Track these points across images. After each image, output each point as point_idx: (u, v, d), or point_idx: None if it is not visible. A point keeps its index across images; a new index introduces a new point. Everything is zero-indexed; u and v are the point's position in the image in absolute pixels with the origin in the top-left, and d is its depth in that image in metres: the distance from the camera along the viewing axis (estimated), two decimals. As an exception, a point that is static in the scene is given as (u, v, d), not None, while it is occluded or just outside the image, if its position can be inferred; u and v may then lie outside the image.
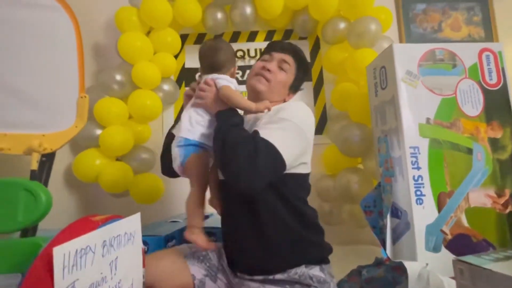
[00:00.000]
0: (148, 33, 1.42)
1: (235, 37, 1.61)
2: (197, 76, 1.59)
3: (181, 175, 0.78)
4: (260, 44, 1.60)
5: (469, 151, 0.96)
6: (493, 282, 0.50)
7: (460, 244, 0.90)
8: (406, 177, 0.93)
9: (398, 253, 0.96)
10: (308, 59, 1.60)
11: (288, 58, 0.81)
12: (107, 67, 1.43)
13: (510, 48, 1.57)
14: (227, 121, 0.68)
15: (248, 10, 1.42)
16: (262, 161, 0.60)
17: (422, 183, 0.93)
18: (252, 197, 0.67)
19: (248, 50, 1.59)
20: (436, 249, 0.89)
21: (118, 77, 1.35)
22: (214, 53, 0.77)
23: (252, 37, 1.60)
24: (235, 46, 1.59)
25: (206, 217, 1.18)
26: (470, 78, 1.01)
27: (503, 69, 1.02)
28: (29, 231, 0.89)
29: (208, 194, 0.79)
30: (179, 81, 1.57)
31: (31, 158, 0.95)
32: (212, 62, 0.77)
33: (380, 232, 1.05)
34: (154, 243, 0.91)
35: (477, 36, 1.65)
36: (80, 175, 1.32)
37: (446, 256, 0.87)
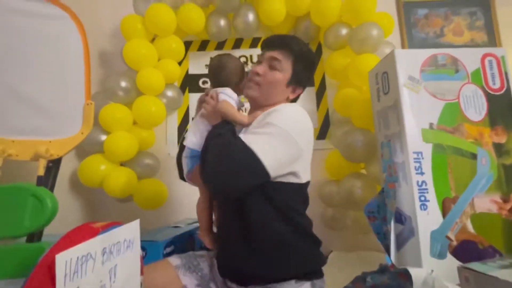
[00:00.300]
0: (152, 40, 1.45)
1: (238, 43, 1.63)
2: (201, 83, 1.61)
3: (189, 183, 0.83)
4: (263, 50, 1.62)
5: (474, 156, 0.95)
6: (499, 290, 0.49)
7: (466, 251, 0.89)
8: (409, 182, 0.93)
9: (402, 260, 0.95)
10: (311, 64, 1.61)
11: (278, 54, 0.74)
12: (113, 74, 1.45)
13: (514, 52, 1.56)
14: (214, 132, 0.69)
15: (251, 17, 1.44)
16: (236, 166, 0.59)
17: (426, 189, 0.92)
18: (244, 206, 0.66)
19: (251, 56, 1.61)
20: (441, 256, 0.88)
21: (123, 84, 1.37)
22: (218, 71, 0.80)
23: (255, 43, 1.62)
24: (238, 52, 1.61)
25: None
26: (473, 83, 1.00)
27: (506, 73, 1.02)
28: (35, 236, 0.90)
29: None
30: (182, 87, 1.59)
31: (38, 164, 0.96)
32: (217, 79, 0.80)
33: (384, 238, 1.04)
34: (152, 249, 0.91)
35: (480, 41, 1.65)
36: (85, 180, 1.33)
37: (451, 263, 0.85)
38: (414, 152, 0.94)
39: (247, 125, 0.72)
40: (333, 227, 1.37)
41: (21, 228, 0.79)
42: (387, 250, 0.98)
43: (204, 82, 1.61)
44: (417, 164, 0.93)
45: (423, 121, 0.96)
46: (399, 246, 0.97)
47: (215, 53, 1.62)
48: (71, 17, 1.07)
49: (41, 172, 0.95)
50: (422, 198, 0.91)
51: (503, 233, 0.91)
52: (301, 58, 0.76)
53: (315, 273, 0.70)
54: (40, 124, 1.00)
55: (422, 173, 0.93)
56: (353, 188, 1.26)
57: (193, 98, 1.58)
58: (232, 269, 0.71)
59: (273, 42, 0.77)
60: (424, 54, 1.02)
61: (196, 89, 1.60)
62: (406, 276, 0.72)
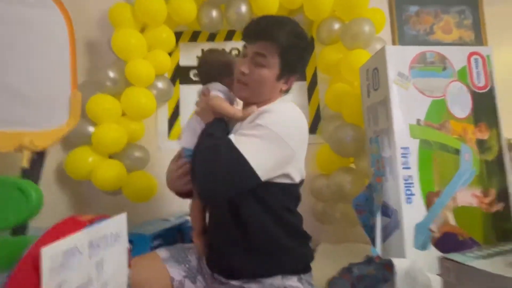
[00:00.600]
0: (142, 30, 1.41)
1: (230, 35, 1.61)
2: (192, 75, 1.58)
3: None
4: (255, 43, 1.60)
5: (457, 152, 0.99)
6: (476, 279, 0.52)
7: (447, 242, 0.93)
8: (396, 177, 0.96)
9: (388, 251, 0.98)
10: (303, 59, 1.61)
11: (263, 48, 0.66)
12: (100, 64, 1.41)
13: (499, 52, 1.61)
14: (206, 131, 0.67)
15: (244, 8, 1.41)
16: (222, 170, 0.57)
17: (412, 183, 0.95)
18: (236, 206, 0.66)
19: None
20: (424, 247, 0.92)
21: (112, 74, 1.33)
22: (203, 67, 0.80)
23: (247, 36, 1.60)
24: (230, 44, 1.59)
25: None
26: (459, 81, 1.03)
27: (491, 72, 1.05)
28: (19, 229, 0.88)
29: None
30: (173, 79, 1.56)
31: (22, 155, 0.93)
32: (203, 76, 0.80)
33: (370, 231, 1.07)
34: (139, 241, 0.91)
35: (468, 39, 1.69)
36: (72, 172, 1.30)
37: (433, 254, 0.89)
38: (401, 148, 0.97)
39: (241, 119, 0.71)
40: (323, 220, 1.39)
41: (5, 221, 0.77)
42: (373, 242, 1.01)
43: (195, 74, 1.58)
44: (404, 159, 0.96)
45: (411, 117, 0.99)
46: (384, 238, 1.00)
47: (206, 44, 1.59)
48: (56, 4, 1.03)
49: (25, 164, 0.93)
50: (408, 192, 0.94)
51: (482, 225, 0.96)
52: (289, 48, 0.67)
53: (302, 268, 0.71)
54: (24, 115, 0.97)
55: (408, 168, 0.96)
56: (342, 182, 1.28)
57: (184, 90, 1.56)
58: (220, 264, 0.72)
59: (256, 33, 0.68)
60: (414, 51, 1.04)
61: (187, 81, 1.58)
62: (390, 267, 0.75)
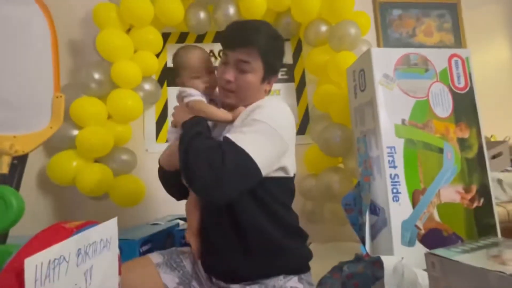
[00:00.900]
0: (128, 31, 1.38)
1: (218, 37, 1.60)
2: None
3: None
4: (244, 44, 1.60)
5: (440, 150, 1.02)
6: (461, 273, 0.54)
7: (432, 238, 0.96)
8: (383, 175, 0.98)
9: (376, 249, 1.00)
10: (291, 61, 1.63)
11: (245, 55, 0.68)
12: (84, 65, 1.37)
13: (477, 54, 1.68)
14: (190, 131, 0.64)
15: (231, 10, 1.42)
16: (231, 171, 0.55)
17: (398, 181, 0.97)
18: (232, 205, 0.64)
19: (232, 51, 1.59)
20: (411, 244, 0.94)
21: (97, 76, 1.30)
22: (175, 66, 0.77)
23: (235, 37, 1.60)
24: (218, 46, 1.59)
25: None
26: (441, 82, 1.07)
27: (470, 73, 1.10)
28: (-1, 238, 0.84)
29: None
30: (160, 81, 1.54)
31: (1, 161, 0.89)
32: (177, 75, 0.77)
33: (359, 229, 1.09)
34: (127, 247, 0.88)
35: (448, 42, 1.76)
36: (55, 177, 1.26)
37: (420, 250, 0.92)
38: (387, 147, 0.99)
39: (231, 121, 0.70)
40: (312, 220, 1.41)
41: (-17, 230, 0.73)
42: (363, 240, 1.03)
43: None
44: (390, 158, 0.98)
45: (396, 117, 1.02)
46: (373, 236, 1.02)
47: (194, 46, 1.58)
48: (37, 2, 0.99)
49: (4, 169, 0.89)
50: (395, 190, 0.97)
51: (464, 221, 1.00)
52: (269, 50, 0.69)
53: (302, 268, 0.70)
54: (3, 118, 0.92)
55: (394, 167, 0.98)
56: (331, 182, 1.30)
57: (172, 92, 1.54)
58: (218, 267, 0.69)
59: (235, 40, 0.69)
60: (398, 53, 1.07)
61: (174, 83, 1.55)
62: (380, 264, 0.77)
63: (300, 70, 1.62)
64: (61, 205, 1.42)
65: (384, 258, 0.75)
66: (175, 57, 0.77)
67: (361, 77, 1.12)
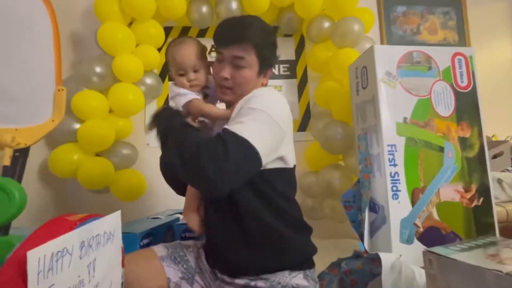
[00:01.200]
0: (130, 24, 1.37)
1: (220, 32, 1.59)
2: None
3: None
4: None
5: (441, 149, 1.02)
6: (458, 271, 0.54)
7: (430, 236, 0.96)
8: (383, 173, 0.98)
9: (375, 246, 1.01)
10: (293, 57, 1.62)
11: (239, 51, 0.68)
12: (86, 58, 1.37)
13: (481, 52, 1.67)
14: (172, 122, 0.63)
15: (234, 5, 1.40)
16: (234, 162, 0.54)
17: (398, 179, 0.98)
18: (233, 198, 0.64)
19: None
20: (409, 241, 0.95)
21: (98, 69, 1.30)
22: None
23: (237, 32, 1.59)
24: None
25: None
26: (444, 81, 1.06)
27: (473, 72, 1.09)
28: (1, 230, 0.85)
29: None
30: (162, 75, 1.54)
31: (3, 153, 0.90)
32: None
33: (358, 226, 1.10)
34: (128, 240, 0.88)
35: (452, 40, 1.74)
36: (56, 170, 1.26)
37: (418, 248, 0.92)
38: (388, 145, 0.99)
39: (228, 117, 0.69)
40: (312, 216, 1.42)
41: (-14, 221, 0.74)
42: (361, 237, 1.04)
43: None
44: (391, 156, 0.98)
45: (398, 115, 1.01)
46: (372, 233, 1.03)
47: (196, 40, 1.57)
48: (38, -6, 0.98)
49: (6, 162, 0.89)
50: (394, 188, 0.97)
51: (463, 220, 1.00)
52: (263, 44, 0.70)
53: (307, 263, 0.70)
54: (5, 111, 0.92)
55: (395, 165, 0.98)
56: (331, 179, 1.31)
57: (173, 87, 1.54)
58: (222, 261, 0.69)
59: (229, 37, 0.69)
60: (401, 50, 1.06)
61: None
62: (378, 261, 0.77)
63: (302, 67, 1.61)
64: (62, 198, 1.43)
65: (382, 255, 0.76)
66: (166, 50, 0.76)
67: (364, 74, 1.11)
